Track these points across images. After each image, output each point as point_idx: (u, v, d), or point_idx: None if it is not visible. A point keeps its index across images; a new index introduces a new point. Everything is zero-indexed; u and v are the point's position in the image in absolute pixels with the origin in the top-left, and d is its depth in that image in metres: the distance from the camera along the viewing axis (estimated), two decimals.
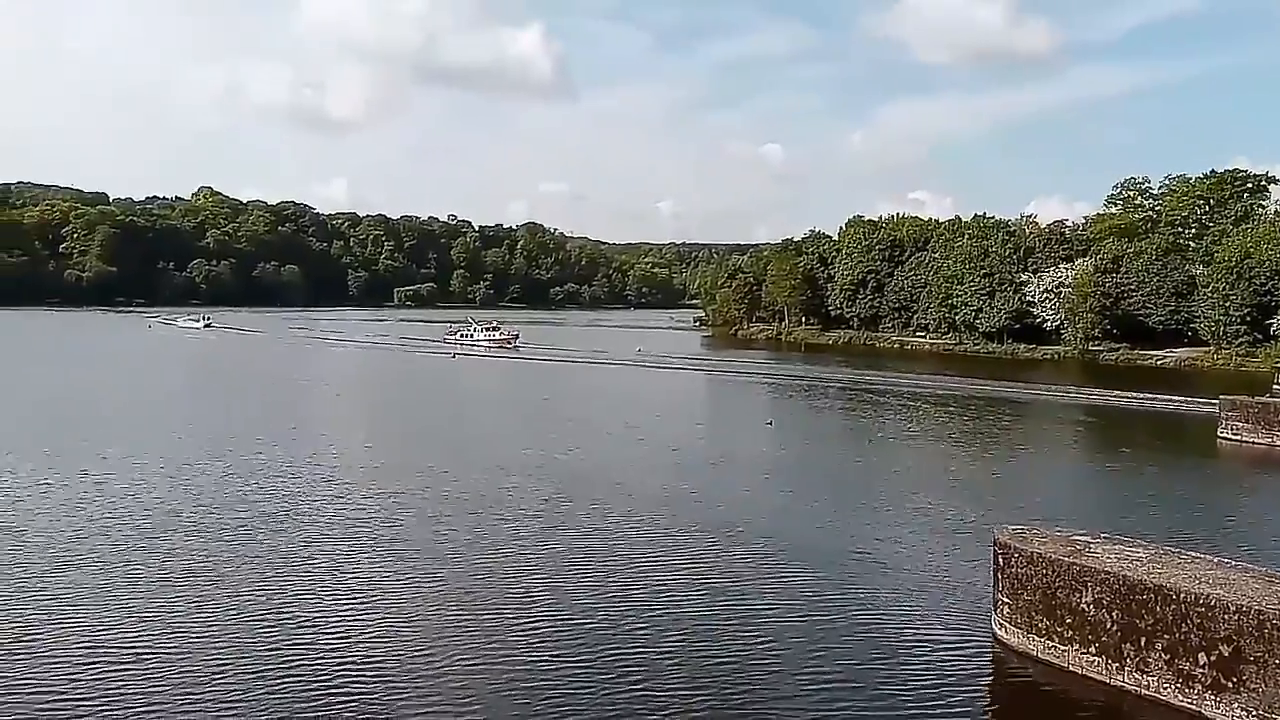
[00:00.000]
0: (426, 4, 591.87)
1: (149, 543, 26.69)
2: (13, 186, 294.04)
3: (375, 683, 17.81)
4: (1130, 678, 17.52)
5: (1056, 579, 18.81)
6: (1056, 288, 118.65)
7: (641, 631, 20.60)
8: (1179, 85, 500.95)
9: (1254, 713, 15.78)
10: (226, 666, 18.32)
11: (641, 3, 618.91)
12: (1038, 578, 19.16)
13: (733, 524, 29.87)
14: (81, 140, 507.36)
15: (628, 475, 37.83)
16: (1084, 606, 18.27)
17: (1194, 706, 16.56)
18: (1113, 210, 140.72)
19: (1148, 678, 17.25)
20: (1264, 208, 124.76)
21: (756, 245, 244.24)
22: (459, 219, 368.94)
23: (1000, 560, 20.14)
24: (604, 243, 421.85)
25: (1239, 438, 49.09)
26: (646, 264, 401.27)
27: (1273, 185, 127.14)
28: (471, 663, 18.81)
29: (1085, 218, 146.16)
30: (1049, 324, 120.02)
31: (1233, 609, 16.14)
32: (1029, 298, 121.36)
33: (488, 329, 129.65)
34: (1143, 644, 17.34)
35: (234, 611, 21.28)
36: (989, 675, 19.16)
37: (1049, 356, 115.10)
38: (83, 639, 19.60)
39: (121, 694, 17.12)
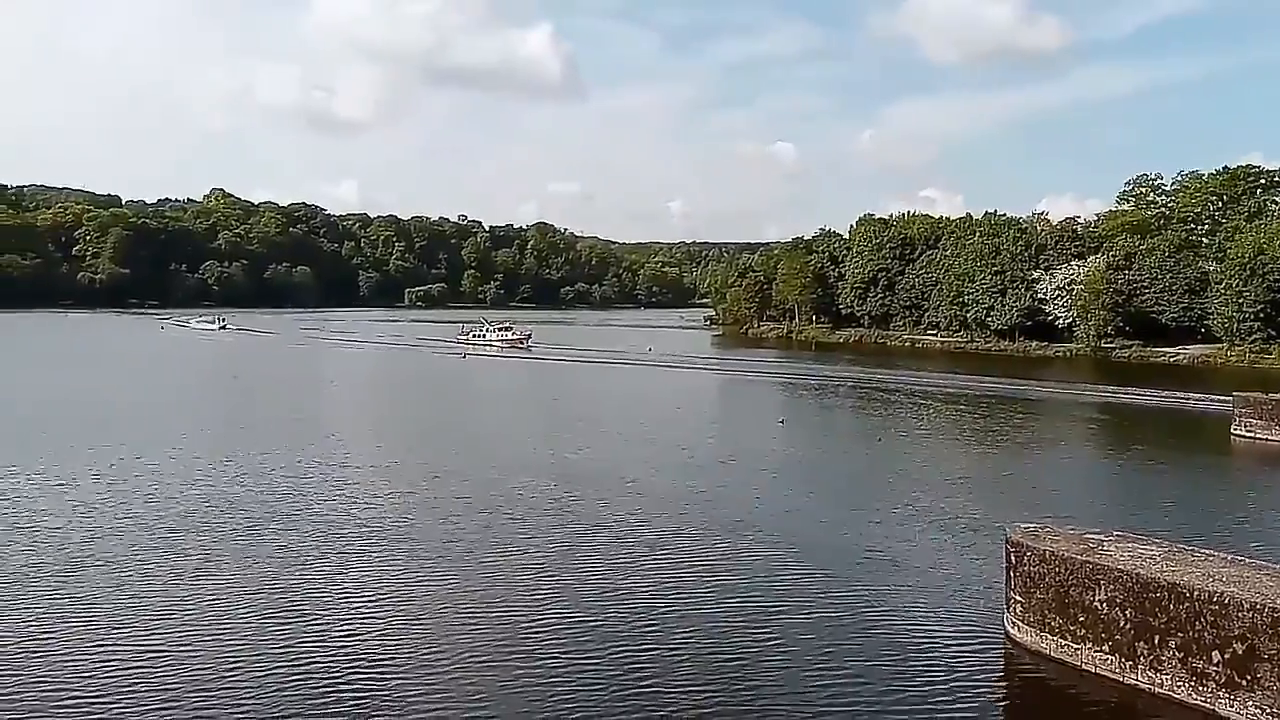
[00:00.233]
0: (436, 5, 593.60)
1: (162, 541, 26.87)
2: (26, 189, 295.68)
3: (389, 679, 17.91)
4: (1143, 676, 17.48)
5: (1069, 577, 18.77)
6: (1068, 285, 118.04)
7: (651, 629, 20.65)
8: (1190, 82, 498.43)
9: (1268, 710, 15.73)
10: (240, 663, 18.45)
11: (650, 3, 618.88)
12: (1050, 576, 19.12)
13: (744, 522, 29.89)
14: (93, 143, 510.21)
15: (638, 474, 37.87)
16: (1097, 605, 18.23)
17: (1208, 705, 16.51)
18: (1125, 207, 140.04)
19: (1161, 676, 17.21)
20: (1277, 204, 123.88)
21: (767, 244, 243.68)
22: (469, 219, 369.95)
23: (1012, 558, 20.11)
24: (614, 242, 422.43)
25: (1253, 435, 48.84)
26: (656, 263, 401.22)
27: None
28: (481, 660, 18.90)
29: (1097, 215, 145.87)
30: (1061, 321, 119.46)
31: (1246, 607, 16.08)
32: (1041, 295, 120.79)
33: (500, 329, 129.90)
34: (1156, 642, 17.30)
35: (246, 609, 21.43)
36: (1001, 674, 19.14)
37: (1061, 354, 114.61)
38: (96, 637, 19.77)
39: (135, 691, 17.26)
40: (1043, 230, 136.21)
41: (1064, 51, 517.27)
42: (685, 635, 20.33)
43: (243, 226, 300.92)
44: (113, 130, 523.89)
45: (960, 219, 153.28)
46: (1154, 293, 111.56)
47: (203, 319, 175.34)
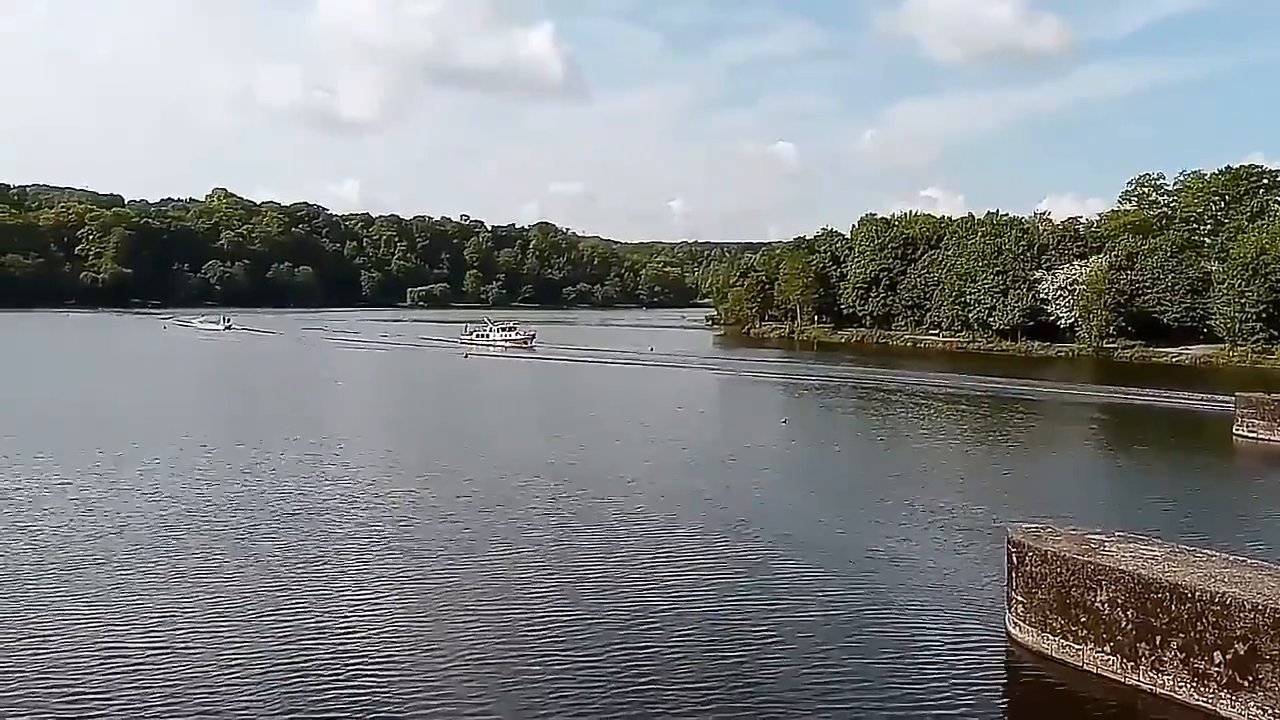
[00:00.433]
0: (438, 5, 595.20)
1: (164, 541, 26.87)
2: (28, 189, 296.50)
3: (390, 679, 17.90)
4: (1145, 677, 17.47)
5: (1070, 577, 18.76)
6: (1070, 285, 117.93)
7: (653, 628, 20.64)
8: (1193, 82, 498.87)
9: (1269, 711, 15.71)
10: (241, 664, 18.45)
11: (653, 3, 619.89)
12: (1051, 576, 19.11)
13: (745, 521, 29.88)
14: (96, 143, 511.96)
15: (639, 473, 37.85)
16: (1098, 605, 18.22)
17: (1209, 706, 16.49)
18: (1127, 207, 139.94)
19: (1162, 677, 17.19)
20: (1279, 204, 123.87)
21: (769, 244, 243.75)
22: (471, 219, 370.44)
23: (1014, 558, 20.09)
24: (616, 242, 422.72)
25: (1255, 435, 48.78)
26: (658, 263, 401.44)
27: None
28: (483, 659, 18.89)
29: (1099, 215, 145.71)
30: (1063, 321, 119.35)
31: (1248, 607, 16.06)
32: (1042, 295, 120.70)
33: (504, 329, 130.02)
34: (1157, 643, 17.28)
35: (247, 609, 21.43)
36: (1002, 674, 19.13)
37: (1063, 354, 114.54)
38: (98, 638, 19.76)
39: (137, 692, 17.25)
40: (1045, 230, 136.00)
41: (1066, 50, 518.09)
42: (685, 634, 20.32)
43: (245, 226, 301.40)
44: (115, 130, 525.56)
45: (962, 219, 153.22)
46: (1156, 293, 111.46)
47: (207, 319, 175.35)
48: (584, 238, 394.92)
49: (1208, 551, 19.77)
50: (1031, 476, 41.06)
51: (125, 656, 18.85)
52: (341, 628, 20.58)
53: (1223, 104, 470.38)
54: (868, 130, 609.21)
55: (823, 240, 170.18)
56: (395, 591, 23.15)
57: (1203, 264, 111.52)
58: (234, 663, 18.56)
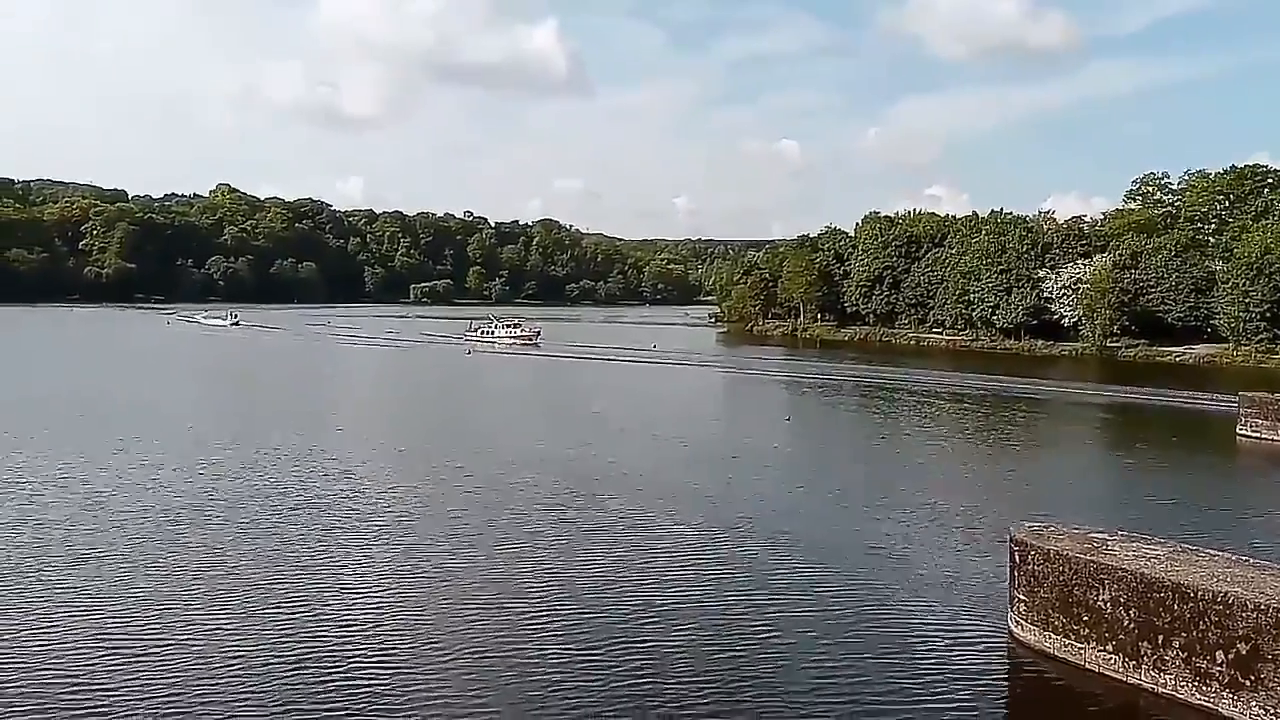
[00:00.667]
0: (441, 2, 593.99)
1: (168, 534, 26.94)
2: (33, 184, 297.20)
3: (392, 672, 17.96)
4: (1147, 676, 17.47)
5: (1073, 576, 18.76)
6: (1074, 284, 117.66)
7: (654, 625, 20.67)
8: (1197, 81, 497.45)
9: (1272, 711, 15.71)
10: (244, 656, 18.51)
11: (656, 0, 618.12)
12: (1054, 575, 19.11)
13: (747, 519, 29.89)
14: (100, 138, 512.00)
15: (642, 470, 37.89)
16: (1101, 604, 18.22)
17: (1211, 705, 16.50)
18: (1131, 206, 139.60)
19: (1165, 676, 17.20)
20: None
21: (772, 241, 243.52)
22: (475, 216, 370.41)
23: (1016, 557, 20.10)
24: (619, 239, 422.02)
25: (1258, 435, 48.69)
26: (662, 260, 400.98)
27: None
28: (484, 654, 18.93)
29: (1103, 213, 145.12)
30: (1067, 320, 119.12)
31: (1251, 607, 16.06)
32: (1046, 294, 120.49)
33: (509, 326, 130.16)
34: (1160, 642, 17.28)
35: (251, 602, 21.50)
36: (1005, 673, 19.13)
37: (1067, 353, 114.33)
38: (102, 630, 19.83)
39: (141, 683, 17.32)
40: (1049, 229, 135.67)
41: (1070, 48, 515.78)
42: (686, 631, 20.35)
43: (249, 222, 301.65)
44: (119, 127, 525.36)
45: (966, 217, 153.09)
46: (1160, 292, 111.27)
47: (212, 314, 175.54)
48: (587, 234, 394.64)
49: (1210, 551, 19.77)
50: (1034, 475, 41.05)
51: (128, 647, 18.92)
52: (343, 621, 20.63)
53: (1228, 103, 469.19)
54: (871, 128, 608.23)
55: (826, 238, 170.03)
56: (399, 583, 23.21)
57: (1207, 263, 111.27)
58: (237, 655, 18.61)
